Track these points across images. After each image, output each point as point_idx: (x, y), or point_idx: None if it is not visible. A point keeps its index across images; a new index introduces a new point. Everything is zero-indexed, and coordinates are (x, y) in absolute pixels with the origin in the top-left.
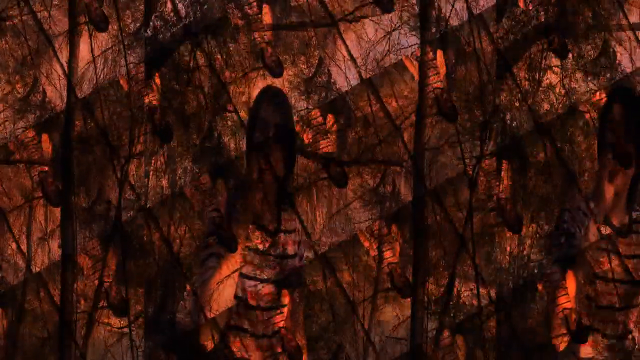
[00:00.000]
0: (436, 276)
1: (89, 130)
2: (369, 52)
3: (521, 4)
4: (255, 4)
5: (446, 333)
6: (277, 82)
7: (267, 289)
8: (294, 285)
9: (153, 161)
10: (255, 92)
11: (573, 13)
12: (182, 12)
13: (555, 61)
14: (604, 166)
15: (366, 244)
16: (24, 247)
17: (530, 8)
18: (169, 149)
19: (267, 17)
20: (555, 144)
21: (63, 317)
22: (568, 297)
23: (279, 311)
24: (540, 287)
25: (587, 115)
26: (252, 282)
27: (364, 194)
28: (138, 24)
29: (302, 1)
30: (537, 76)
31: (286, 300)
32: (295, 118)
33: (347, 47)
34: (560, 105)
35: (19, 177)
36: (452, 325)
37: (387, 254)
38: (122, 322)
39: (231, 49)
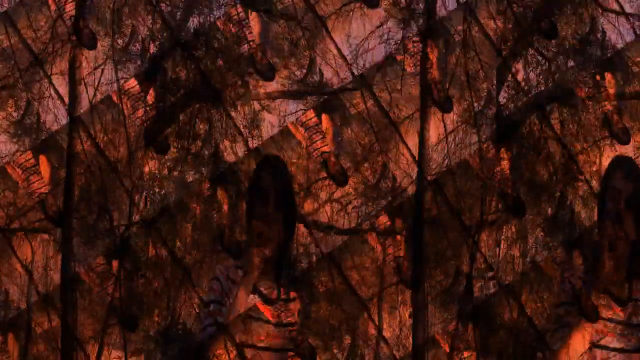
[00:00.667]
0: (443, 267)
1: (87, 154)
2: (359, 49)
3: (520, 77)
4: (241, 10)
5: (458, 322)
6: (270, 84)
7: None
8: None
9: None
10: None
11: (573, 82)
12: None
13: (555, 131)
14: (604, 234)
15: (371, 240)
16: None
17: (532, 77)
18: (170, 216)
19: (255, 25)
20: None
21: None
22: (574, 273)
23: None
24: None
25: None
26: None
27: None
28: (127, 39)
29: (287, 2)
30: (537, 145)
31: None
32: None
33: (336, 44)
34: (560, 173)
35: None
36: (464, 314)
37: (392, 249)
38: None
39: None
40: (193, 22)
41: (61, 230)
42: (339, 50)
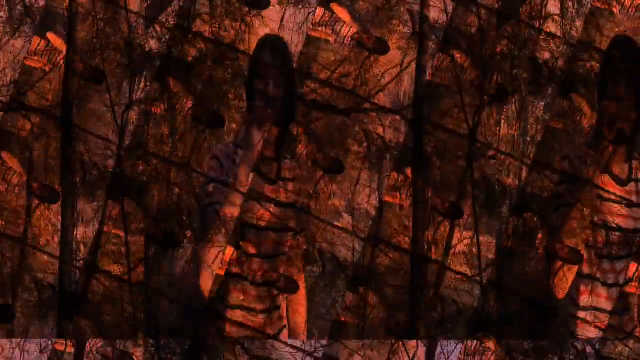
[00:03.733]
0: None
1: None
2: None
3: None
4: None
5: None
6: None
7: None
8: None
9: (153, 108)
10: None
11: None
12: None
13: (555, 9)
14: (605, 113)
15: (395, 201)
16: None
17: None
18: (169, 97)
19: None
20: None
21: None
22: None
23: (279, 261)
24: (540, 236)
25: (587, 65)
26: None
27: None
28: None
29: None
30: (537, 24)
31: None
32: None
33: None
34: (560, 54)
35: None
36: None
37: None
38: (122, 270)
39: None
40: None
41: None
42: None
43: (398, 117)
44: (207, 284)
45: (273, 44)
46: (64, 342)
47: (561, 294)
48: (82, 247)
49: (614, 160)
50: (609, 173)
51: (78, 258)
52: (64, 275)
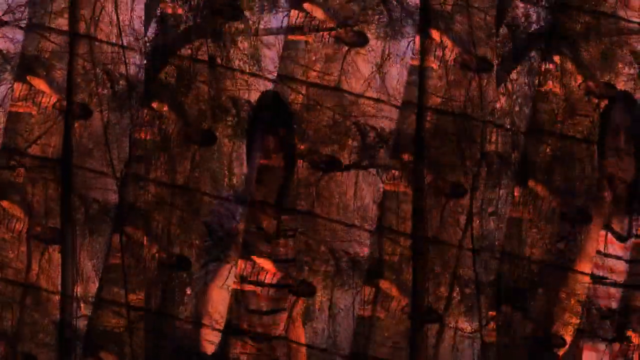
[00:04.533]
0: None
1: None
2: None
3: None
4: None
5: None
6: None
7: (269, 292)
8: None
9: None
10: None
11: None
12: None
13: (553, 66)
14: (604, 171)
15: (400, 189)
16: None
17: (531, 12)
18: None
19: None
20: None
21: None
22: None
23: (280, 315)
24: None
25: (587, 120)
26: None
27: None
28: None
29: None
30: (536, 81)
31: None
32: None
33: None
34: (560, 110)
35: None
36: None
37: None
38: (120, 323)
39: (231, 52)
40: None
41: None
42: None
43: (391, 107)
44: (223, 300)
45: (272, 100)
46: None
47: (584, 250)
48: (81, 299)
49: (614, 216)
50: (609, 229)
51: (79, 306)
52: (65, 318)
